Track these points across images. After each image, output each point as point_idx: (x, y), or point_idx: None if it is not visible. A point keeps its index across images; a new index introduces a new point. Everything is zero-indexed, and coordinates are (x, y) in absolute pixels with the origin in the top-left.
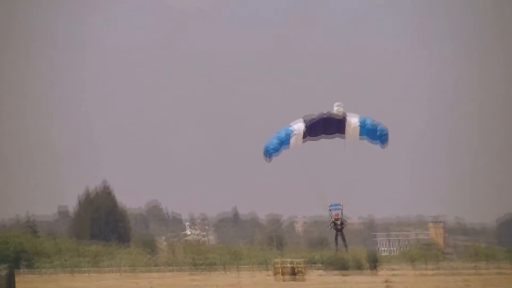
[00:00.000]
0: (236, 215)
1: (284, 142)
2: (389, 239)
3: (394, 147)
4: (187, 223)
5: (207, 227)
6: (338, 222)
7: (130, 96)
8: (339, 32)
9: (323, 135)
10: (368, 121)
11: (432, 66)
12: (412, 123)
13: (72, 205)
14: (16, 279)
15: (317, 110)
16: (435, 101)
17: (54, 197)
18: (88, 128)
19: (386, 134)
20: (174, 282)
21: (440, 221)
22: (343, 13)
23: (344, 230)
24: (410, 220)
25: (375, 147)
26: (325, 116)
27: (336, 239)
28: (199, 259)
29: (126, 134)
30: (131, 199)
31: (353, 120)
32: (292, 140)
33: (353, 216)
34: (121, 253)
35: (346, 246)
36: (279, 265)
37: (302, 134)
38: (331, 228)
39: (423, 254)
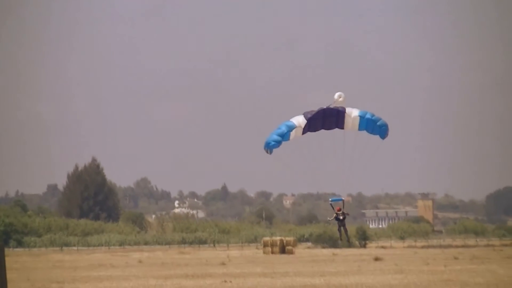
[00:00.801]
0: (225, 191)
1: (285, 136)
2: (378, 215)
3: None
4: (176, 200)
5: (196, 202)
6: (340, 216)
7: (121, 72)
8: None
9: (322, 130)
10: (368, 114)
11: None
12: (403, 101)
13: (61, 182)
14: (6, 254)
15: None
16: (424, 80)
17: (43, 174)
18: (77, 106)
19: (386, 126)
20: (163, 257)
21: (429, 197)
22: None
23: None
24: (399, 196)
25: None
26: (324, 107)
27: (339, 230)
28: (188, 236)
29: (116, 111)
30: (120, 176)
31: (353, 112)
32: (292, 134)
33: (343, 193)
34: (110, 230)
35: (348, 238)
36: (268, 241)
37: (302, 128)
38: (332, 221)
39: (412, 229)
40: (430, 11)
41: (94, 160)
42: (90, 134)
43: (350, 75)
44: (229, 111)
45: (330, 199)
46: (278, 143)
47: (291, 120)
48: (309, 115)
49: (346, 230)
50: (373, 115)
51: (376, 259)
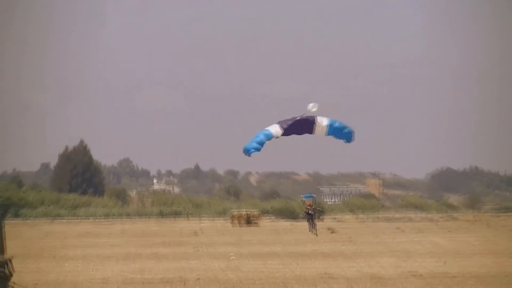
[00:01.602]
0: (198, 170)
1: (263, 144)
2: (333, 192)
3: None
4: (155, 178)
5: (172, 179)
6: (310, 211)
7: (105, 56)
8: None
9: (293, 135)
10: (337, 123)
11: None
12: (356, 85)
13: (53, 161)
14: (5, 225)
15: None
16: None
17: (37, 154)
18: (68, 92)
19: (352, 133)
20: (143, 227)
21: (377, 176)
22: None
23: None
24: (351, 175)
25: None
26: (298, 117)
27: (308, 221)
28: (165, 209)
29: (104, 99)
30: (105, 156)
31: (324, 121)
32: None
33: (301, 172)
34: (96, 203)
35: (316, 231)
36: (236, 214)
37: (277, 137)
38: (303, 215)
39: (362, 204)
40: None
41: (82, 142)
42: (78, 118)
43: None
44: (204, 98)
45: (302, 196)
46: (257, 150)
47: (268, 129)
48: (284, 126)
49: (315, 224)
50: (341, 124)
51: (330, 229)
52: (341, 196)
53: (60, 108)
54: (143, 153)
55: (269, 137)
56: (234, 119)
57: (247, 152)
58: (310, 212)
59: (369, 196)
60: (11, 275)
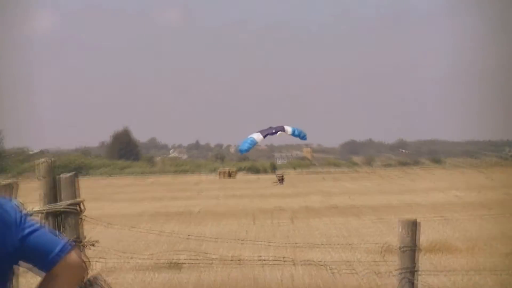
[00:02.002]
0: (197, 144)
1: (250, 148)
2: (281, 156)
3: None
4: (171, 149)
5: (182, 150)
6: (282, 178)
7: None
8: None
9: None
10: (296, 131)
11: None
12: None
13: (107, 140)
14: (78, 179)
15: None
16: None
17: (97, 135)
18: (116, 89)
19: (305, 135)
20: (164, 180)
21: (309, 146)
22: None
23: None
24: (293, 145)
25: None
26: (273, 128)
27: (279, 181)
28: (178, 168)
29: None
30: (140, 136)
31: (289, 129)
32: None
33: (262, 144)
34: (135, 166)
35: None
36: (221, 171)
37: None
38: (277, 182)
39: (300, 163)
40: None
41: (125, 128)
42: (122, 109)
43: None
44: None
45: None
46: (246, 151)
47: (252, 136)
48: (265, 133)
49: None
50: (299, 130)
51: (275, 179)
52: (286, 159)
53: (108, 105)
54: (164, 132)
55: (254, 143)
56: (219, 109)
57: (241, 152)
58: (281, 179)
59: (304, 158)
60: (82, 211)
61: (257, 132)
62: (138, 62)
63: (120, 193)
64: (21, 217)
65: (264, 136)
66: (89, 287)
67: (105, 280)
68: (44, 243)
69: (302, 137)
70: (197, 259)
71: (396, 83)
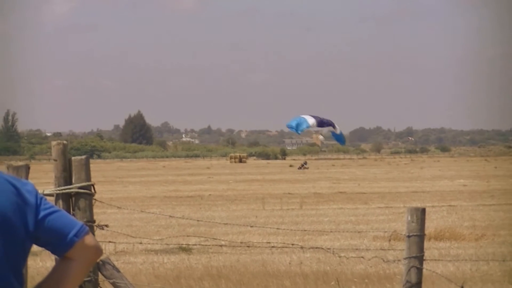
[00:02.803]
0: (209, 128)
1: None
2: (291, 142)
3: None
4: (183, 133)
5: (194, 134)
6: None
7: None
8: None
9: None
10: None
11: None
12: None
13: (121, 123)
14: (90, 163)
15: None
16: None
17: (111, 118)
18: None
19: (345, 142)
20: (176, 164)
21: (318, 132)
22: None
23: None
24: (303, 132)
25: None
26: (324, 121)
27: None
28: (189, 153)
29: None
30: (153, 120)
31: (337, 129)
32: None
33: (272, 130)
34: (148, 149)
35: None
36: (232, 155)
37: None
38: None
39: (310, 149)
40: None
41: (139, 111)
42: (137, 94)
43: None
44: (212, 81)
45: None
46: (293, 130)
47: (305, 118)
48: (318, 120)
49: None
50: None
51: (290, 165)
52: (297, 145)
53: (123, 89)
54: (176, 118)
55: (307, 125)
56: (231, 93)
57: (293, 129)
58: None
59: (313, 145)
60: (94, 194)
61: (310, 116)
62: (153, 47)
63: (132, 177)
64: (41, 198)
65: (318, 125)
66: (99, 270)
67: (114, 264)
68: (61, 226)
69: (343, 141)
70: (207, 244)
71: (405, 72)
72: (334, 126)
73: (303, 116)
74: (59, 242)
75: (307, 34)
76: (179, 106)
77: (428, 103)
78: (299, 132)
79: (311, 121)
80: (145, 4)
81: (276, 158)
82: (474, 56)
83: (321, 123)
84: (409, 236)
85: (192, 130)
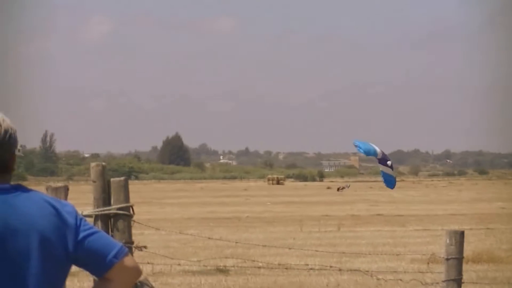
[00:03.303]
0: (247, 150)
1: (367, 152)
2: (329, 164)
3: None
4: (221, 155)
5: (231, 156)
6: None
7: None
8: None
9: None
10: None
11: None
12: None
13: (159, 145)
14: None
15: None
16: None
17: (149, 140)
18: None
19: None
20: (214, 185)
21: (356, 154)
22: None
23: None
24: (341, 153)
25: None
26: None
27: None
28: (227, 174)
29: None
30: (191, 142)
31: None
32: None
33: (310, 152)
34: (186, 171)
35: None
36: (270, 177)
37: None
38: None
39: (347, 172)
40: None
41: (177, 134)
42: (174, 117)
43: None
44: (252, 102)
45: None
46: (362, 150)
47: (375, 148)
48: (381, 155)
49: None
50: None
51: (328, 187)
52: (334, 167)
53: (163, 111)
54: (214, 140)
55: (374, 153)
56: (269, 116)
57: (358, 147)
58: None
59: (351, 167)
60: (132, 215)
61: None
62: (191, 69)
63: (169, 198)
64: (81, 219)
65: (381, 159)
66: None
67: (152, 285)
68: (100, 247)
69: (392, 185)
70: (244, 265)
71: (443, 94)
72: (392, 168)
73: (371, 144)
74: (99, 263)
75: (345, 56)
76: (217, 128)
77: (466, 125)
78: (365, 152)
79: (378, 150)
80: (184, 26)
81: (313, 180)
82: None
83: (384, 160)
84: (447, 259)
85: (230, 152)
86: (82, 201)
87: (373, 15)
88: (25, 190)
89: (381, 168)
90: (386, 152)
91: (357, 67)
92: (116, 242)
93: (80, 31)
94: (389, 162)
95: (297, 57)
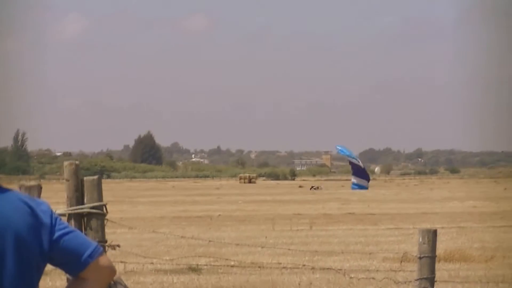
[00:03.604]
0: (219, 149)
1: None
2: (301, 163)
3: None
4: (193, 153)
5: (203, 155)
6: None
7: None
8: None
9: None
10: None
11: None
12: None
13: (131, 143)
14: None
15: None
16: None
17: (121, 138)
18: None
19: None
20: (185, 184)
21: (328, 153)
22: None
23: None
24: (313, 152)
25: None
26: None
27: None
28: (199, 173)
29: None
30: (163, 141)
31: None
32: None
33: (281, 150)
34: (157, 169)
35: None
36: (242, 176)
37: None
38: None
39: (319, 170)
40: None
41: (149, 132)
42: (148, 110)
43: None
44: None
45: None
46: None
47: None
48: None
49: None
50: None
51: (300, 186)
52: (306, 166)
53: (135, 110)
54: (186, 139)
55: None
56: (241, 115)
57: (340, 151)
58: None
59: (323, 165)
60: (106, 214)
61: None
62: (163, 67)
63: (142, 197)
64: (56, 218)
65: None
66: None
67: (125, 284)
68: (76, 246)
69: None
70: (217, 264)
71: (414, 94)
72: (365, 179)
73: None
74: (74, 263)
75: (317, 55)
76: (189, 127)
77: (437, 124)
78: (348, 154)
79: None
80: (157, 25)
81: (285, 178)
82: (483, 77)
83: (358, 171)
84: (420, 258)
85: (202, 151)
86: (54, 200)
87: (343, 14)
88: (1, 189)
89: (356, 180)
90: (359, 151)
91: (329, 67)
92: (91, 241)
93: (53, 29)
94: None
95: (270, 56)
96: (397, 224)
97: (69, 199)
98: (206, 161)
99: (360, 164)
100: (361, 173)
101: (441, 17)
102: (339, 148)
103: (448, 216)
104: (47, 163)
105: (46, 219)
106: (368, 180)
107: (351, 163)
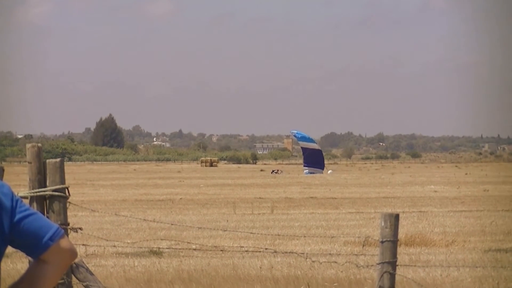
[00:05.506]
0: (181, 132)
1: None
2: (262, 146)
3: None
4: (155, 137)
5: (165, 138)
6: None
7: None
8: None
9: None
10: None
11: None
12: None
13: (93, 126)
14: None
15: None
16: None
17: (83, 121)
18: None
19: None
20: (147, 167)
21: (290, 137)
22: None
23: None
24: (274, 136)
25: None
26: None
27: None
28: (161, 156)
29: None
30: (124, 123)
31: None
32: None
33: (243, 134)
34: (119, 152)
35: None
36: (203, 159)
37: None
38: (276, 172)
39: (281, 154)
40: None
41: (111, 115)
42: (108, 99)
43: None
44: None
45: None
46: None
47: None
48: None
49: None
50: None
51: (261, 170)
52: (268, 149)
53: (98, 94)
54: (147, 121)
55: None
56: (202, 98)
57: (295, 135)
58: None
59: (284, 149)
60: (68, 197)
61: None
62: (125, 51)
63: (103, 180)
64: (17, 201)
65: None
66: (72, 272)
67: (87, 266)
68: (36, 229)
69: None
70: (178, 247)
71: (377, 78)
72: (319, 168)
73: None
74: (35, 245)
75: (281, 39)
76: (150, 110)
77: (399, 109)
78: (304, 138)
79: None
80: (123, 9)
81: (247, 162)
82: (446, 62)
83: (311, 157)
84: (382, 242)
85: (163, 134)
86: (16, 183)
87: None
88: None
89: (308, 170)
90: (320, 135)
91: (293, 52)
92: (52, 224)
93: (17, 11)
94: (330, 171)
95: (232, 41)
96: (358, 208)
97: (32, 181)
98: (167, 145)
99: (318, 147)
100: (315, 161)
101: (404, 2)
102: (295, 132)
103: (409, 201)
104: (8, 146)
105: (7, 202)
106: (323, 168)
107: (304, 149)
